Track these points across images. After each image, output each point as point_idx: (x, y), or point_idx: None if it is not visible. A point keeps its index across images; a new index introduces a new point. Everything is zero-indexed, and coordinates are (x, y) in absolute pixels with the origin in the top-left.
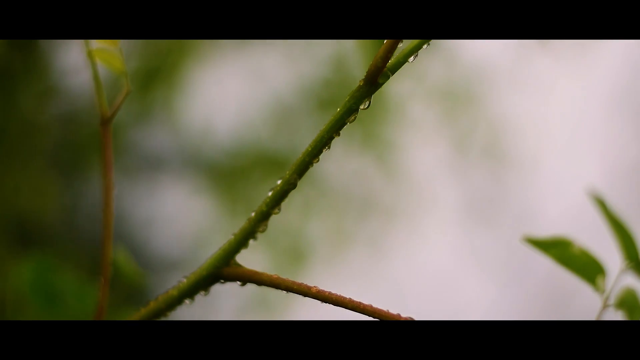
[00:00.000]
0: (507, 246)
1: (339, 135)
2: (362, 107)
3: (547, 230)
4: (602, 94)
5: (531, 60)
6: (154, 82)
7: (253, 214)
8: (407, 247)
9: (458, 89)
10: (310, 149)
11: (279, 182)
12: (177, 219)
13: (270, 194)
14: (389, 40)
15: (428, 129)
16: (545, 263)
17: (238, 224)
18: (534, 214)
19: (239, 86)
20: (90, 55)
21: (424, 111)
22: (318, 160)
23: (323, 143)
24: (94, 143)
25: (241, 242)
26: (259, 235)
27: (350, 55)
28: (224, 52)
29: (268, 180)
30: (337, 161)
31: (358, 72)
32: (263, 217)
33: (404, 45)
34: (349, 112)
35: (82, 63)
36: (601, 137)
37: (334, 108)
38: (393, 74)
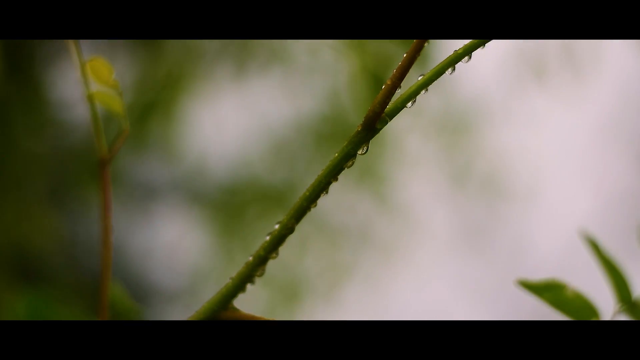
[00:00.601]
0: (501, 277)
1: (336, 180)
2: (360, 152)
3: (541, 261)
4: (595, 125)
5: (525, 93)
6: (150, 114)
7: (251, 258)
8: (403, 279)
9: (454, 122)
10: (308, 194)
11: (276, 226)
12: (173, 251)
13: (267, 238)
14: (387, 85)
15: (424, 162)
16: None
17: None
18: (529, 244)
19: (236, 120)
20: (89, 97)
21: (420, 144)
22: (316, 205)
23: (321, 188)
24: (91, 175)
25: (239, 287)
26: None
27: (346, 90)
28: (221, 85)
29: (264, 213)
30: (333, 195)
31: (354, 107)
32: (261, 262)
33: (402, 90)
34: (347, 158)
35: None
36: (594, 167)
37: (330, 143)
38: (391, 119)
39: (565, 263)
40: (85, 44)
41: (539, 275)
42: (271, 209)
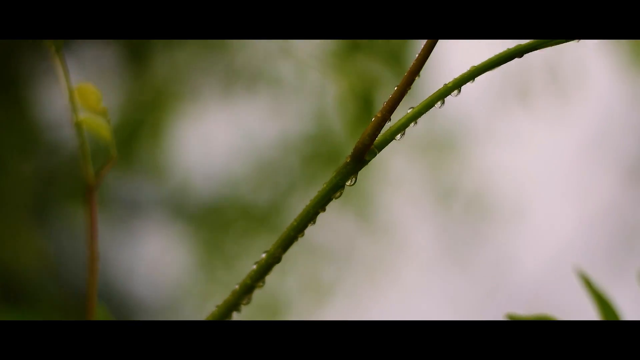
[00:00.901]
0: (486, 295)
1: (324, 210)
2: (348, 183)
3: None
4: (579, 143)
5: (510, 113)
6: (138, 133)
7: (237, 287)
8: (387, 298)
9: (439, 141)
10: (295, 224)
11: (263, 255)
12: (157, 268)
13: (254, 267)
14: (377, 118)
15: (409, 181)
16: (522, 311)
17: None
18: (514, 262)
19: (222, 139)
20: (77, 124)
21: (405, 163)
22: (303, 235)
23: (308, 218)
24: (78, 195)
25: (225, 315)
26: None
27: (333, 110)
28: (208, 104)
29: (248, 232)
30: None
31: (340, 128)
32: (247, 291)
33: (392, 122)
34: (335, 188)
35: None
36: (579, 184)
37: (315, 163)
38: (380, 151)
39: (550, 280)
40: (73, 63)
41: (524, 294)
42: (255, 228)
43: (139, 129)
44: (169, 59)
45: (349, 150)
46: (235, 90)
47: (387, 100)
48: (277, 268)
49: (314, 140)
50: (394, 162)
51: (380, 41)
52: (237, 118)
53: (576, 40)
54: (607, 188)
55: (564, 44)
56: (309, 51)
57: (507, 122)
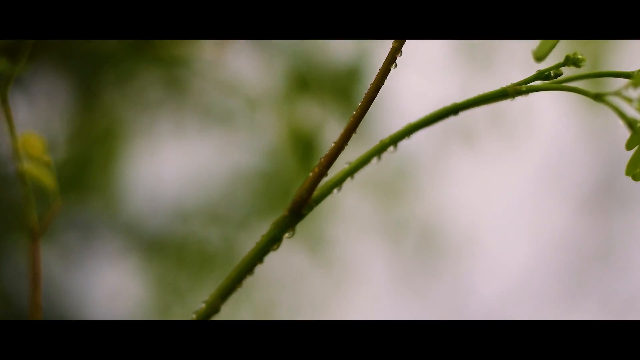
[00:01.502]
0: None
1: (262, 262)
2: (286, 236)
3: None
4: (531, 177)
5: (460, 149)
6: (89, 167)
7: None
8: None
9: (390, 178)
10: (234, 275)
11: (202, 305)
12: (110, 301)
13: (194, 316)
14: (314, 173)
15: (360, 216)
16: None
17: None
18: (469, 293)
19: (174, 173)
20: (22, 173)
21: (356, 198)
22: (241, 285)
23: (247, 270)
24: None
25: None
26: None
27: (283, 147)
28: (160, 139)
29: (201, 267)
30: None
31: (290, 164)
32: None
33: (329, 177)
34: (273, 241)
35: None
36: (532, 217)
37: (266, 199)
38: (317, 204)
39: (505, 310)
40: (23, 97)
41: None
42: (208, 262)
43: (91, 162)
44: (121, 92)
45: (299, 184)
46: (187, 124)
47: (324, 155)
48: (230, 305)
49: (266, 176)
50: (345, 197)
51: (329, 78)
52: (189, 152)
53: (511, 99)
54: (561, 219)
55: (502, 101)
56: (260, 87)
57: (459, 157)
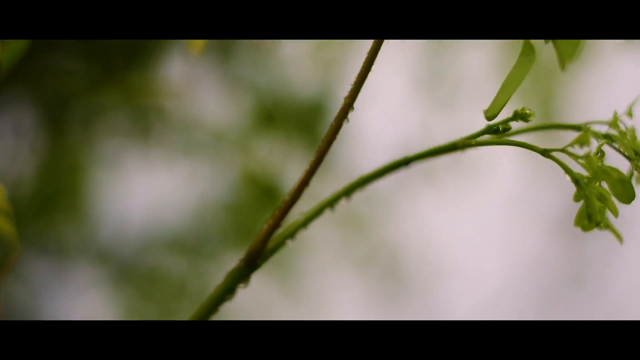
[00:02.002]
0: None
1: (217, 311)
2: (241, 286)
3: None
4: (503, 204)
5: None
6: (54, 200)
7: None
8: None
9: (358, 211)
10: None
11: None
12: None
13: None
14: (269, 225)
15: (327, 248)
16: None
17: None
18: (443, 318)
19: (142, 206)
20: None
21: (322, 231)
22: None
23: (203, 319)
24: None
25: None
26: None
27: (251, 180)
28: (129, 171)
29: (167, 299)
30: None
31: (261, 196)
32: None
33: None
34: (228, 291)
35: None
36: (503, 242)
37: (233, 231)
38: (272, 255)
39: None
40: None
41: None
42: (175, 294)
43: (59, 194)
44: (89, 125)
45: (265, 216)
46: (154, 157)
47: (277, 208)
48: None
49: (232, 209)
50: (312, 228)
51: (294, 114)
52: (156, 185)
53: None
54: (533, 244)
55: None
56: (226, 122)
57: (426, 186)
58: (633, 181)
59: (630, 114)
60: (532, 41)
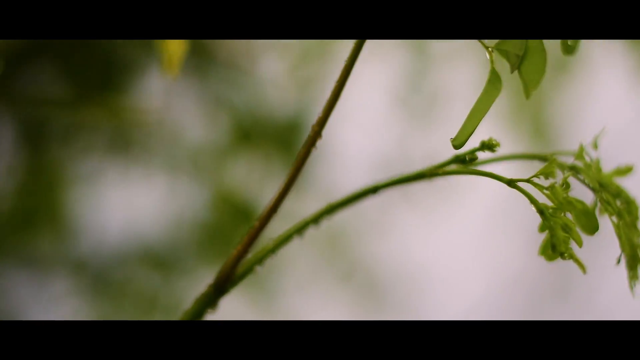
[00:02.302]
0: None
1: None
2: (209, 310)
3: None
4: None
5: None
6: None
7: None
8: None
9: (336, 229)
10: None
11: None
12: None
13: None
14: (238, 251)
15: (306, 268)
16: None
17: None
18: None
19: (119, 221)
20: None
21: (299, 249)
22: None
23: None
24: None
25: None
26: None
27: (231, 196)
28: (105, 187)
29: (143, 313)
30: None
31: (237, 214)
32: None
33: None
34: (196, 316)
35: None
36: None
37: (208, 248)
38: (242, 280)
39: None
40: None
41: None
42: (149, 309)
43: (34, 210)
44: (66, 141)
45: (241, 233)
46: (131, 173)
47: (246, 235)
48: None
49: (207, 226)
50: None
51: (272, 132)
52: (133, 200)
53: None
54: (516, 257)
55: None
56: (205, 138)
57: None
58: (597, 212)
59: (595, 145)
60: (499, 70)
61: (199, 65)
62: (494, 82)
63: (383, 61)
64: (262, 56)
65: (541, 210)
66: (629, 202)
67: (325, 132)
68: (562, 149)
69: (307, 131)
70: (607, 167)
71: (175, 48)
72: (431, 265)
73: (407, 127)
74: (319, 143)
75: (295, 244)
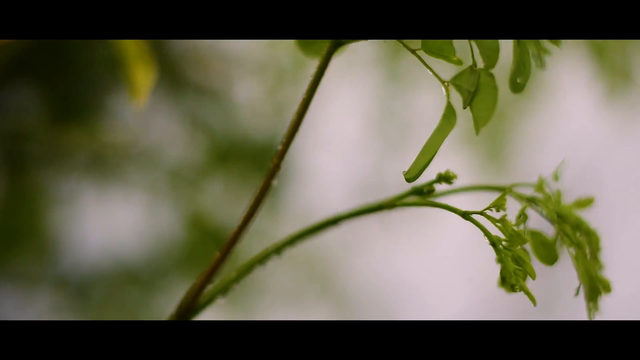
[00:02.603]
0: None
1: None
2: None
3: None
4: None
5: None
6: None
7: None
8: None
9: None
10: None
11: None
12: None
13: None
14: (199, 281)
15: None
16: None
17: None
18: None
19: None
20: None
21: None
22: None
23: None
24: None
25: None
26: None
27: (207, 217)
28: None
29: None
30: None
31: (213, 234)
32: None
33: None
34: None
35: None
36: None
37: (187, 269)
38: (204, 309)
39: None
40: None
41: None
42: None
43: (14, 231)
44: (45, 162)
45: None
46: (109, 193)
47: (208, 266)
48: None
49: (187, 245)
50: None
51: (247, 154)
52: (111, 220)
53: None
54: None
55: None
56: (182, 160)
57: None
58: (558, 243)
59: (556, 177)
60: (453, 104)
61: (176, 87)
62: (448, 116)
63: (358, 88)
64: (238, 79)
65: (493, 242)
66: (589, 234)
67: (303, 155)
68: (528, 177)
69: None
70: (572, 195)
71: (143, 77)
72: (412, 283)
73: (382, 152)
74: (288, 171)
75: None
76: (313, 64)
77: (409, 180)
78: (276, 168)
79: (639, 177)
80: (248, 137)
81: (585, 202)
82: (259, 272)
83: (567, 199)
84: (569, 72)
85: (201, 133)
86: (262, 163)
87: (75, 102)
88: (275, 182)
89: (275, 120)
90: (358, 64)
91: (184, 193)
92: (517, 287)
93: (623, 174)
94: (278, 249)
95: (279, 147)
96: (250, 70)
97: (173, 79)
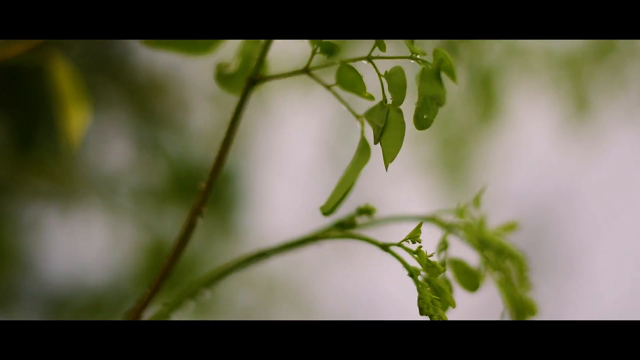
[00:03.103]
0: None
1: None
2: None
3: None
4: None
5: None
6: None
7: None
8: None
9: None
10: None
11: None
12: None
13: None
14: (131, 316)
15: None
16: None
17: None
18: None
19: (62, 266)
20: None
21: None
22: None
23: None
24: None
25: None
26: None
27: (168, 239)
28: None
29: None
30: None
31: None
32: None
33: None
34: None
35: None
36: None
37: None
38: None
39: None
40: None
41: None
42: None
43: None
44: (8, 191)
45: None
46: (73, 218)
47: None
48: None
49: (147, 270)
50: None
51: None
52: (76, 244)
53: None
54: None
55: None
56: (142, 185)
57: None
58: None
59: (477, 202)
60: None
61: (135, 115)
62: (363, 151)
63: (314, 115)
64: (195, 107)
65: (411, 273)
66: (513, 257)
67: (258, 181)
68: (487, 202)
69: (240, 181)
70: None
71: (77, 123)
72: (374, 307)
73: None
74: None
75: (233, 287)
76: (270, 93)
77: (325, 214)
78: (201, 205)
79: (599, 200)
80: (205, 164)
81: (509, 227)
82: (222, 294)
83: (492, 225)
84: (528, 101)
85: (160, 160)
86: (221, 189)
87: (36, 131)
88: (202, 213)
89: (233, 148)
90: (313, 92)
91: (145, 219)
92: (435, 317)
93: (584, 197)
94: (208, 282)
95: (202, 187)
96: (207, 98)
97: (134, 105)
